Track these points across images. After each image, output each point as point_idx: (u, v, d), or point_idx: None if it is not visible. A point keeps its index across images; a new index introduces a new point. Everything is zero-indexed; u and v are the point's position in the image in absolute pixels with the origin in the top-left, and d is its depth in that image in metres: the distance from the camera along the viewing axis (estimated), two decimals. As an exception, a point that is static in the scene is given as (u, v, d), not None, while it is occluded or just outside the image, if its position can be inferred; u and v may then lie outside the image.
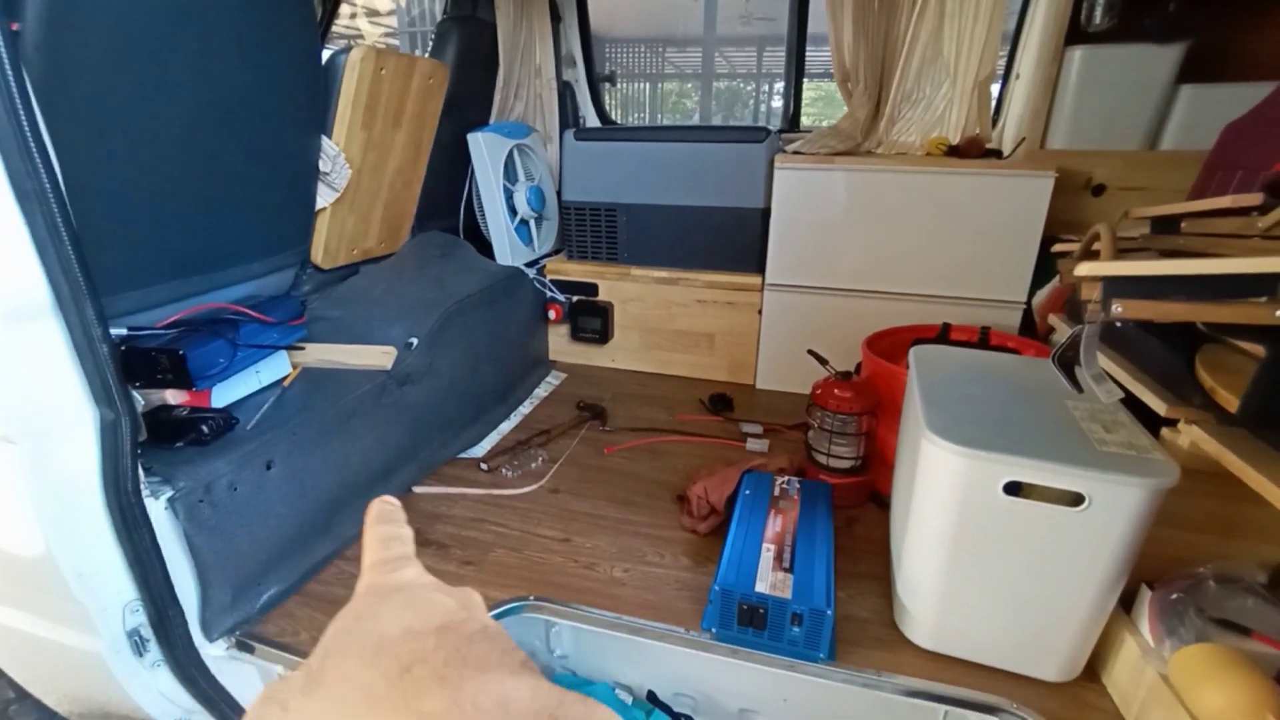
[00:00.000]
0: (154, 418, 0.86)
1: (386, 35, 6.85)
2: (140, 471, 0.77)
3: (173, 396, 0.92)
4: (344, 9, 1.48)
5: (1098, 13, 1.30)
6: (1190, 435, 0.72)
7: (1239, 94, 1.09)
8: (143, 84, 0.89)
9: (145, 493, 0.78)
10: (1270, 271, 0.54)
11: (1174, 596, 0.72)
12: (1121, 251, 0.87)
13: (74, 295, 0.68)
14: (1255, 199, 0.68)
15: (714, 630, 0.86)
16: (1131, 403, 0.80)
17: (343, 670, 0.21)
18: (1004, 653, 0.80)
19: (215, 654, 0.88)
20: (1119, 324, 0.71)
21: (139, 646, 0.82)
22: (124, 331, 0.90)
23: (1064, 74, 1.43)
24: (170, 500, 0.80)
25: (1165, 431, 0.78)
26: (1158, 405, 0.77)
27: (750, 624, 0.83)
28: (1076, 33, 1.36)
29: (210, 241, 1.07)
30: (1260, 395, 0.59)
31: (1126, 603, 0.77)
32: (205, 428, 0.86)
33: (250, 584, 0.91)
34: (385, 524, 0.28)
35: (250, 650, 0.88)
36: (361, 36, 6.55)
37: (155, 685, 0.84)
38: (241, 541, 0.88)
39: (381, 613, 0.22)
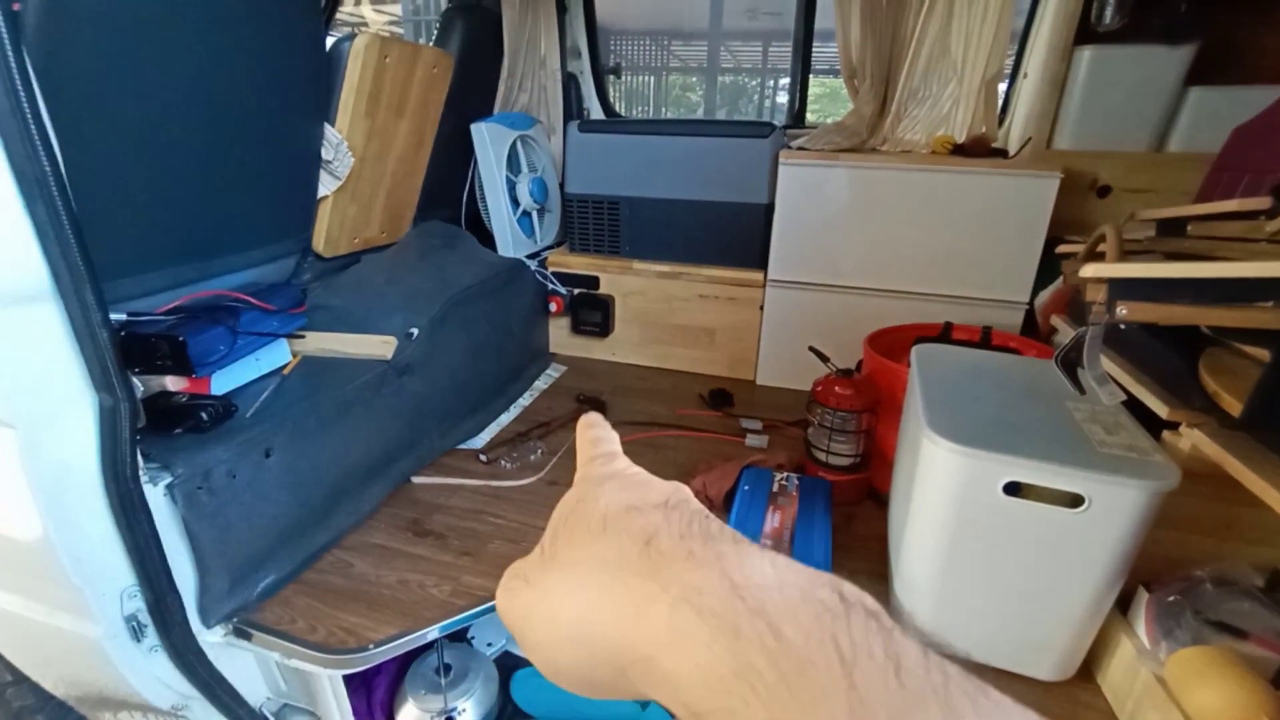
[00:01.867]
0: (153, 404, 0.86)
1: (391, 23, 6.81)
2: (139, 458, 0.77)
3: (172, 383, 0.91)
4: (348, -4, 1.48)
5: (1108, 12, 1.29)
6: (1192, 438, 0.72)
7: (1248, 96, 1.08)
8: (144, 68, 0.88)
9: (144, 479, 0.77)
10: (1276, 276, 0.54)
11: (1171, 599, 0.72)
12: (1127, 253, 0.87)
13: (74, 280, 0.68)
14: (1262, 203, 0.68)
15: (710, 625, 0.86)
16: (1133, 405, 0.80)
17: (573, 545, 0.22)
18: (999, 651, 0.80)
19: (212, 640, 0.88)
20: (1123, 326, 0.71)
21: (136, 632, 0.82)
22: (124, 317, 0.90)
23: (1072, 74, 1.42)
24: (169, 487, 0.79)
25: (1166, 434, 0.78)
26: (1159, 408, 0.77)
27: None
28: (1086, 32, 1.35)
29: (211, 228, 1.06)
30: (1264, 399, 0.59)
31: (1123, 604, 0.77)
32: (204, 415, 0.85)
33: (248, 571, 0.91)
34: (592, 428, 0.30)
35: (248, 637, 0.88)
36: (365, 24, 6.51)
37: (152, 670, 0.84)
38: (239, 529, 0.88)
39: (600, 495, 0.24)
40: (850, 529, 1.10)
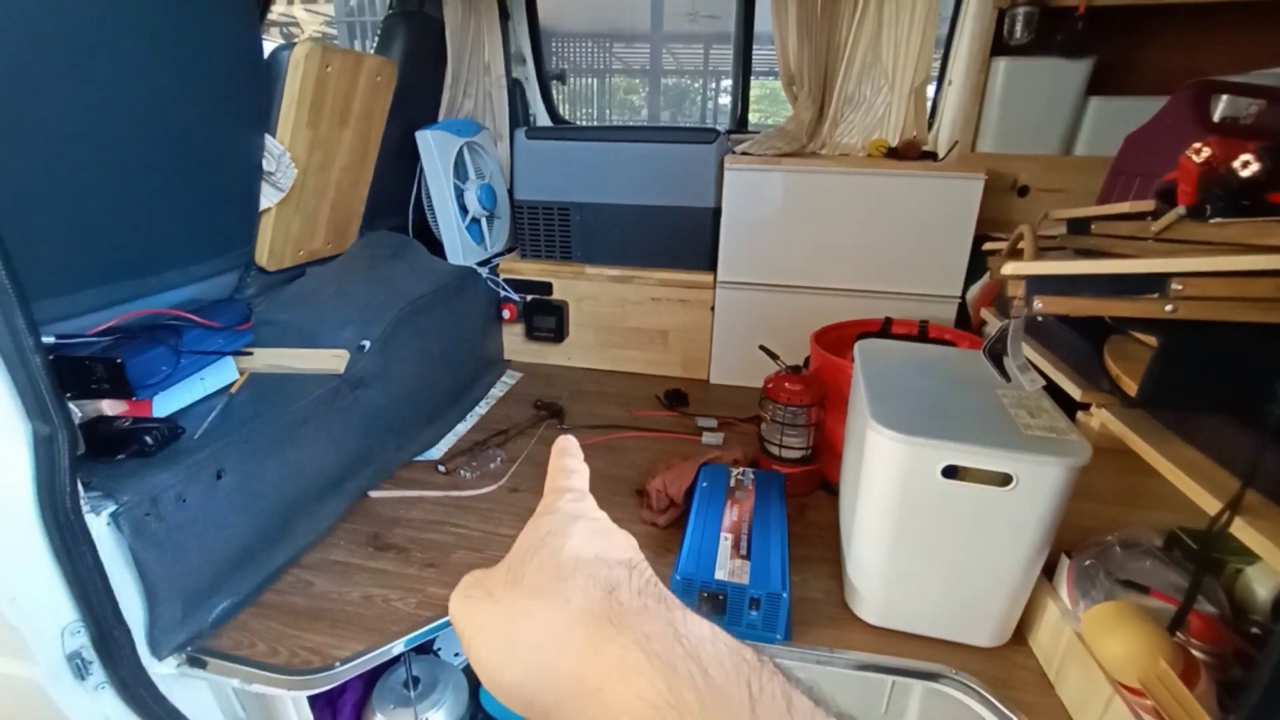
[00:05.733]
0: (93, 430, 0.82)
1: (324, 25, 6.58)
2: (79, 487, 0.74)
3: (109, 407, 0.88)
4: (280, -2, 1.44)
5: (1018, 27, 1.40)
6: (1100, 417, 0.79)
7: (1139, 106, 1.20)
8: (68, 79, 0.84)
9: (85, 509, 0.74)
10: (1160, 271, 0.61)
11: (1087, 563, 0.80)
12: (1042, 250, 0.95)
13: (2, 303, 0.65)
14: (1148, 205, 0.76)
15: (676, 618, 0.89)
16: (1052, 389, 0.88)
17: (542, 576, 0.24)
18: (943, 624, 0.87)
19: (164, 672, 0.85)
20: (1040, 318, 0.78)
21: (80, 670, 0.78)
22: (51, 340, 0.85)
23: (990, 83, 1.53)
24: (113, 515, 0.76)
25: (1080, 415, 0.86)
26: (1074, 391, 0.85)
27: (711, 610, 0.87)
28: (1000, 45, 1.45)
29: (145, 244, 1.02)
30: (1154, 380, 0.66)
31: (1049, 571, 0.84)
32: (149, 439, 0.82)
33: (202, 598, 0.88)
34: (567, 456, 0.32)
35: (203, 665, 0.86)
36: (297, 24, 6.26)
37: (99, 710, 0.81)
38: (192, 555, 0.85)
39: (572, 534, 0.26)
40: (805, 518, 1.15)
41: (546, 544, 0.26)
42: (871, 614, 0.90)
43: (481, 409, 1.56)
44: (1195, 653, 0.67)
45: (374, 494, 1.19)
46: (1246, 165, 0.61)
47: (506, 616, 0.24)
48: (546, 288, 1.77)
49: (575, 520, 0.27)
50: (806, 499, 1.21)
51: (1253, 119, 1.04)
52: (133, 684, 0.80)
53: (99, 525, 0.75)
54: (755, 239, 1.60)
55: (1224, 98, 1.08)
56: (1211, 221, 0.65)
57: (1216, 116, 1.06)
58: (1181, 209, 0.69)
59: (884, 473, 0.81)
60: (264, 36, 1.19)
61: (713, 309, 1.69)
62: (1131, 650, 0.65)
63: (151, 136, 0.97)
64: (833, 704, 0.21)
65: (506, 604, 0.24)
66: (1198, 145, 0.65)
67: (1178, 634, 0.68)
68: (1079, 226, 0.96)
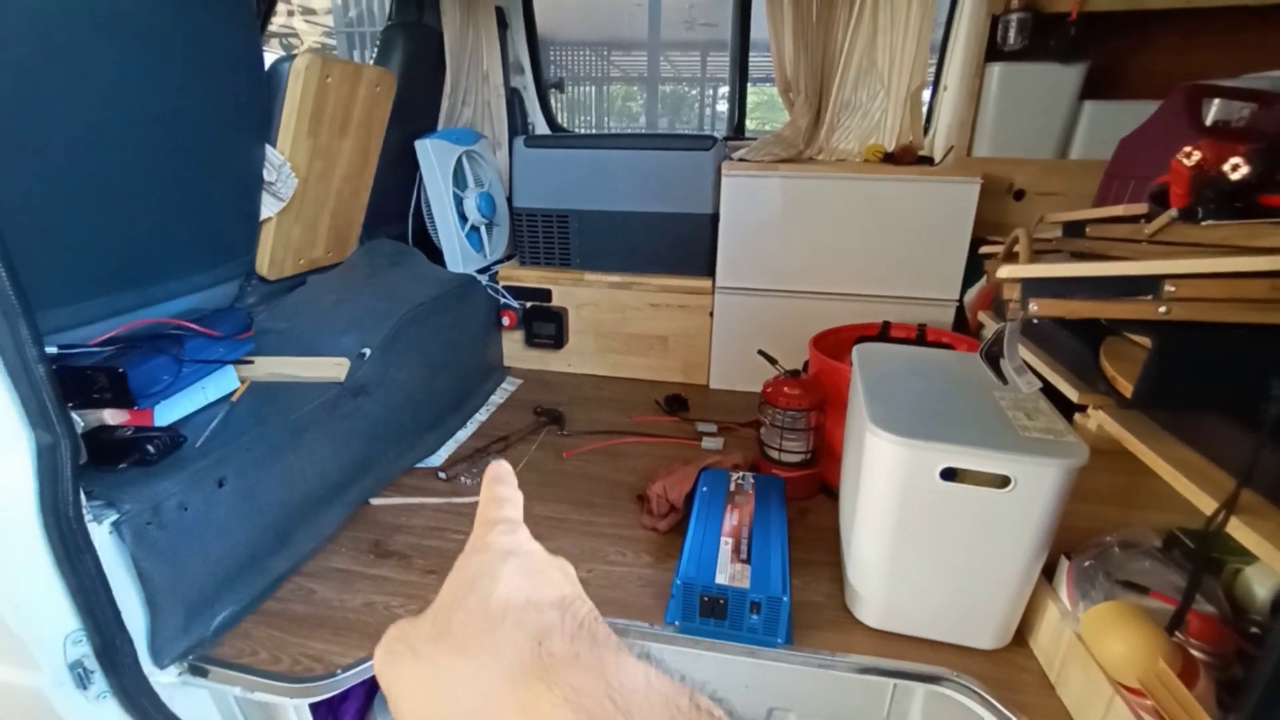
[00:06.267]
0: (95, 439, 0.83)
1: (324, 35, 6.62)
2: (82, 496, 0.74)
3: (111, 416, 0.88)
4: (280, 7, 1.45)
5: (1011, 33, 1.41)
6: (1097, 419, 0.80)
7: (1132, 110, 1.21)
8: (71, 90, 0.85)
9: (88, 517, 0.74)
10: (1153, 273, 0.61)
11: (1086, 564, 0.80)
12: (1038, 253, 0.96)
13: (6, 314, 0.65)
14: (1142, 208, 0.77)
15: (677, 623, 0.89)
16: (1049, 391, 0.88)
17: (469, 628, 0.23)
18: (944, 626, 0.87)
19: (166, 681, 0.85)
20: (1036, 320, 0.78)
21: (83, 679, 0.78)
22: (54, 350, 0.86)
23: (985, 88, 1.54)
24: (115, 524, 0.77)
25: (1077, 416, 0.86)
26: (1070, 393, 0.85)
27: (712, 615, 0.87)
28: (995, 50, 1.47)
29: (147, 254, 1.03)
30: (1149, 381, 0.67)
31: (1049, 573, 0.84)
32: (151, 447, 0.83)
33: (203, 606, 0.88)
34: (500, 484, 0.30)
35: (204, 674, 0.86)
36: (297, 35, 6.30)
37: (101, 718, 0.81)
38: (193, 563, 0.85)
39: (500, 576, 0.25)
40: (805, 522, 1.15)
41: (475, 589, 0.24)
42: (872, 617, 0.90)
43: (482, 415, 1.57)
44: (1194, 652, 0.67)
45: (375, 501, 1.19)
46: (1236, 168, 0.62)
47: (432, 675, 0.22)
48: (546, 294, 1.78)
49: (506, 558, 0.26)
50: (807, 503, 1.21)
51: (1244, 122, 1.05)
52: (135, 693, 0.80)
53: (101, 534, 0.76)
54: (753, 244, 1.61)
55: (1216, 101, 1.09)
56: (1203, 224, 0.66)
57: (1208, 120, 1.07)
58: (1174, 211, 0.69)
59: (883, 476, 0.81)
60: (268, 50, 1.20)
61: (711, 314, 1.70)
62: (1131, 650, 0.65)
63: (154, 147, 0.98)
64: None
65: (432, 661, 0.23)
66: (1189, 149, 0.66)
67: (1176, 634, 0.68)
68: (1074, 229, 0.97)
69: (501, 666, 0.21)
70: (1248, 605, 0.73)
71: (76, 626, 0.76)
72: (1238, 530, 0.56)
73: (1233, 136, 1.02)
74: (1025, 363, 0.90)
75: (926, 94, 1.77)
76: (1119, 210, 0.83)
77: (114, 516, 0.77)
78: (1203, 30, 1.40)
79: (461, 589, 0.24)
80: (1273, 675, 0.47)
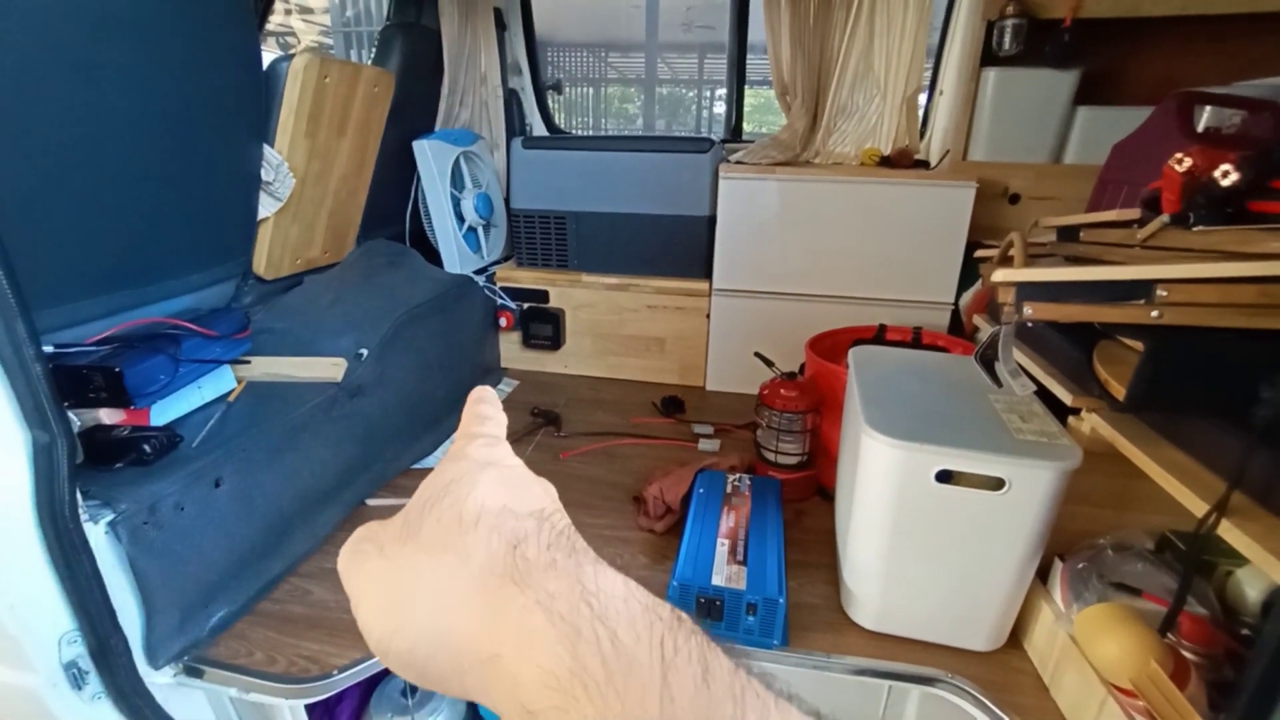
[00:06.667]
0: (91, 438, 0.82)
1: (321, 34, 6.61)
2: (78, 496, 0.74)
3: (107, 416, 0.88)
4: (277, 5, 1.44)
5: (1007, 38, 1.42)
6: (1090, 422, 0.81)
7: (1126, 116, 1.22)
8: (69, 88, 0.85)
9: (84, 517, 0.74)
10: (1145, 278, 0.62)
11: (1080, 566, 0.81)
12: (1032, 257, 0.97)
13: (3, 313, 0.65)
14: (1135, 213, 0.78)
15: (674, 624, 0.90)
16: (1043, 394, 0.89)
17: (440, 529, 0.22)
18: (939, 628, 0.87)
19: (161, 682, 0.84)
20: (1030, 324, 0.79)
21: (77, 679, 0.78)
22: (50, 349, 0.86)
23: (981, 92, 1.55)
24: (111, 524, 0.76)
25: (1071, 419, 0.87)
26: (1064, 396, 0.86)
27: (708, 616, 0.87)
28: (990, 56, 1.48)
29: (143, 253, 1.03)
30: (1141, 385, 0.67)
31: (1043, 575, 0.85)
32: (147, 447, 0.83)
33: (199, 606, 0.88)
34: (484, 404, 0.30)
35: (199, 675, 0.85)
36: (294, 34, 6.29)
37: (95, 719, 0.81)
38: (190, 563, 0.85)
39: (479, 483, 0.23)
40: (801, 524, 1.16)
41: (449, 493, 0.23)
42: (868, 619, 0.90)
43: (478, 416, 1.56)
44: (1186, 654, 0.68)
45: (371, 502, 1.19)
46: (1227, 175, 0.62)
47: (397, 575, 0.21)
48: (543, 296, 1.78)
49: (484, 468, 0.24)
50: (803, 505, 1.22)
51: (1235, 129, 1.06)
52: (129, 693, 0.80)
53: (97, 534, 0.76)
54: (750, 247, 1.62)
55: (1208, 108, 1.10)
56: (1195, 229, 0.67)
57: (1200, 127, 1.08)
58: (1166, 217, 0.70)
59: (879, 478, 0.82)
60: (266, 50, 1.20)
61: (708, 316, 1.70)
62: (1123, 651, 0.66)
63: (151, 145, 0.98)
64: (755, 666, 0.19)
65: (399, 561, 0.22)
66: (1180, 155, 0.67)
67: (1168, 635, 0.68)
68: (1068, 234, 0.98)
69: (471, 568, 0.20)
70: (1239, 607, 0.74)
71: (72, 627, 0.76)
72: (1228, 532, 0.57)
73: (1224, 143, 1.04)
74: (1020, 366, 0.91)
75: (923, 98, 1.78)
76: (1112, 215, 0.84)
77: (110, 516, 0.76)
78: (1195, 37, 1.41)
79: (435, 494, 0.23)
80: (1263, 676, 0.47)
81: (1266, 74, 1.19)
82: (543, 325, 1.79)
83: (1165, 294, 0.63)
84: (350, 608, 0.23)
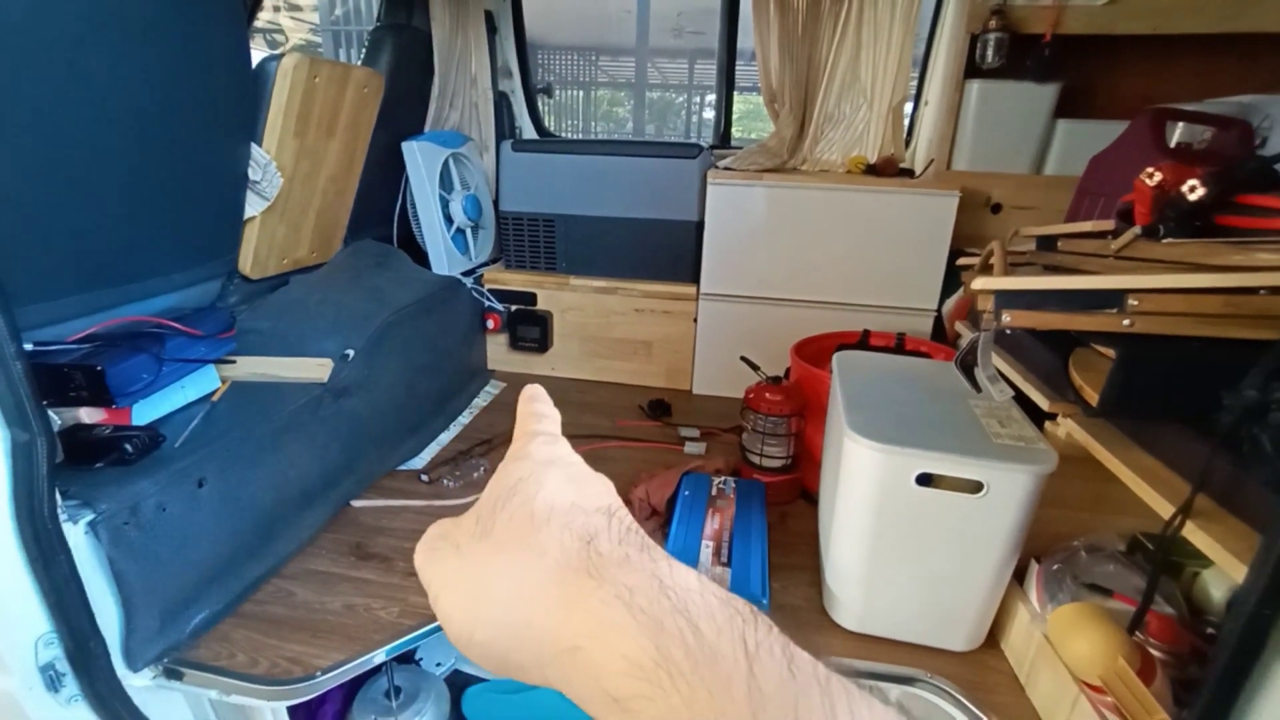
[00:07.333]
0: (71, 437, 0.81)
1: (309, 33, 6.56)
2: (57, 496, 0.73)
3: (87, 415, 0.87)
4: (265, 2, 1.44)
5: (990, 51, 1.46)
6: (1066, 427, 0.83)
7: (1104, 129, 1.25)
8: (53, 84, 0.84)
9: (63, 517, 0.73)
10: (1117, 287, 0.64)
11: (1055, 567, 0.83)
12: (1012, 265, 0.99)
13: (-17, 310, 0.65)
14: (1109, 224, 0.80)
15: (658, 625, 0.90)
16: (1022, 399, 0.91)
17: (513, 526, 0.22)
18: (919, 629, 0.89)
19: (140, 684, 0.83)
20: (1009, 331, 0.81)
21: (54, 682, 0.77)
22: (30, 347, 0.85)
23: (965, 104, 1.58)
24: (91, 524, 0.76)
25: (1048, 424, 0.89)
26: (1041, 401, 0.88)
27: (692, 617, 0.88)
28: (974, 68, 1.51)
29: (127, 251, 1.02)
30: (1113, 391, 0.69)
31: (1019, 576, 0.87)
32: (129, 446, 0.82)
33: (180, 608, 0.87)
34: (537, 401, 0.30)
35: (179, 677, 0.85)
36: (282, 32, 6.24)
37: (71, 722, 0.79)
38: (171, 564, 0.84)
39: (546, 481, 0.24)
40: (785, 526, 1.17)
41: (518, 492, 0.24)
42: (850, 620, 0.92)
43: (465, 418, 1.56)
44: (1153, 651, 0.70)
45: (356, 503, 1.18)
46: (1194, 190, 0.65)
47: (475, 571, 0.22)
48: (531, 298, 1.78)
49: (548, 466, 0.25)
50: (787, 507, 1.23)
51: (1206, 145, 1.09)
52: (107, 696, 0.79)
53: (76, 534, 0.75)
54: (737, 252, 1.63)
55: (1180, 125, 1.13)
56: (1165, 241, 0.69)
57: (1172, 142, 1.11)
58: (1137, 229, 0.72)
59: (861, 481, 0.83)
60: (255, 49, 1.20)
61: (695, 320, 1.71)
62: (1093, 649, 0.68)
63: (137, 143, 0.97)
64: (837, 663, 0.19)
65: (475, 557, 0.22)
66: (1151, 169, 0.69)
67: (1137, 634, 0.70)
68: (1047, 243, 1.01)
69: (548, 561, 0.21)
70: (1205, 607, 0.76)
71: (48, 628, 0.75)
72: (1193, 534, 0.58)
73: (1193, 159, 1.07)
74: (998, 372, 0.93)
75: (908, 108, 1.81)
76: (1088, 226, 0.87)
77: (90, 516, 0.76)
78: (1169, 55, 1.46)
79: (504, 493, 0.24)
80: (1222, 673, 0.49)
81: (1236, 92, 1.23)
82: (530, 328, 1.79)
83: (1136, 303, 0.65)
84: (431, 598, 0.23)
